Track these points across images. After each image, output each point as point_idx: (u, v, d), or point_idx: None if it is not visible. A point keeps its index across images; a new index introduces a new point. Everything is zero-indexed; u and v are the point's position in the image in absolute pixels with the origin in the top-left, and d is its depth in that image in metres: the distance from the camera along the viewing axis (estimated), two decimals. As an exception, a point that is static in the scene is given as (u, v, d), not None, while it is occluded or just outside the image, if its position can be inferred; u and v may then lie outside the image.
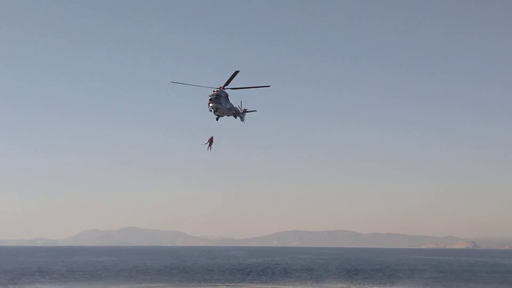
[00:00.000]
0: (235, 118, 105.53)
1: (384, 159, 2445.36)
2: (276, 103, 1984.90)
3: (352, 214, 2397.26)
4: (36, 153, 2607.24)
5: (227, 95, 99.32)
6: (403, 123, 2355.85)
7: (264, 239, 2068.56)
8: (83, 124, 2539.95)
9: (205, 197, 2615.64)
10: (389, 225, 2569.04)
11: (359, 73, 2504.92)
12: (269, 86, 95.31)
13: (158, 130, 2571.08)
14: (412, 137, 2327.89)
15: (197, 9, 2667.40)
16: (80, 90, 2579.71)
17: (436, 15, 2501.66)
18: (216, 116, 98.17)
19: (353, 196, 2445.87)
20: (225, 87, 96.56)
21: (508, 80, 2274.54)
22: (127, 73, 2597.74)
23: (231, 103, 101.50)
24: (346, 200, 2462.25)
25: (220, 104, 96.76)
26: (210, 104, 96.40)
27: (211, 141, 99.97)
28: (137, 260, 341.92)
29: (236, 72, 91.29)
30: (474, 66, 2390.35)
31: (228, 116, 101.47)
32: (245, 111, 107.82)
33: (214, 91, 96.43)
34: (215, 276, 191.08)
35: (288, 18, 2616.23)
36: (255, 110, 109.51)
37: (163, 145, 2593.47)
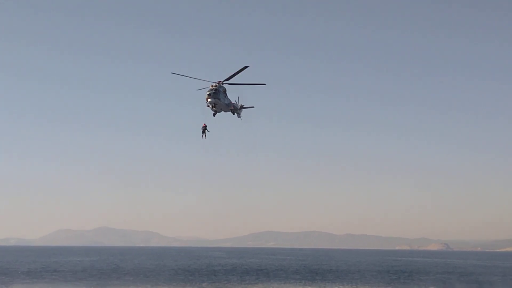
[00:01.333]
0: (233, 114, 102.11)
1: (358, 161, 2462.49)
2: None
3: (326, 215, 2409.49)
4: (9, 153, 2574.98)
5: (225, 90, 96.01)
6: (376, 125, 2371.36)
7: (238, 239, 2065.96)
8: (57, 127, 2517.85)
9: (179, 197, 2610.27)
10: (362, 226, 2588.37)
11: (332, 75, 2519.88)
12: (264, 84, 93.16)
13: (132, 131, 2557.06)
14: (385, 139, 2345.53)
15: (189, 13, 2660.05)
16: (55, 95, 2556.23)
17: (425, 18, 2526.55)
18: (214, 112, 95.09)
19: (327, 197, 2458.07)
20: (225, 82, 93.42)
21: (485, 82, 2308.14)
22: (106, 77, 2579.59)
23: (229, 99, 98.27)
24: (320, 201, 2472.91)
25: (219, 99, 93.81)
26: (209, 100, 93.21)
27: (204, 128, 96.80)
28: (117, 260, 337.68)
29: (245, 67, 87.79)
30: (464, 68, 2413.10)
31: (225, 112, 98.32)
32: (241, 107, 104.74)
33: (212, 86, 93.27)
34: (206, 277, 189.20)
35: (284, 22, 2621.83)
36: (253, 107, 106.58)
37: (136, 147, 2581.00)
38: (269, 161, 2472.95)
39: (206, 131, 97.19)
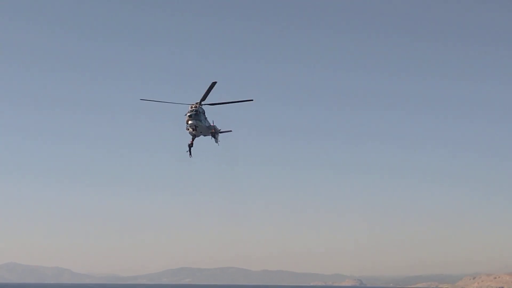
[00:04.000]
0: (212, 137, 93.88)
1: (272, 197, 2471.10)
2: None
3: (243, 251, 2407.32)
4: None
5: (204, 112, 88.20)
6: (284, 160, 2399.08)
7: (152, 276, 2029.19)
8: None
9: (91, 232, 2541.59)
10: (278, 262, 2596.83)
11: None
12: (252, 100, 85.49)
13: (36, 171, 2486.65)
14: (293, 175, 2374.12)
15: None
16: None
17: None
18: (193, 136, 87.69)
19: (243, 233, 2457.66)
20: (202, 102, 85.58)
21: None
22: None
23: (208, 121, 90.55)
24: (236, 236, 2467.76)
25: (200, 121, 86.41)
26: (189, 122, 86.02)
27: (190, 146, 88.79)
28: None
29: (214, 83, 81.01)
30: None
31: (205, 136, 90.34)
32: (219, 131, 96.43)
33: (192, 107, 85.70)
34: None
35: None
36: (230, 131, 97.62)
37: (44, 183, 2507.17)
38: (181, 196, 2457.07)
39: (191, 149, 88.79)
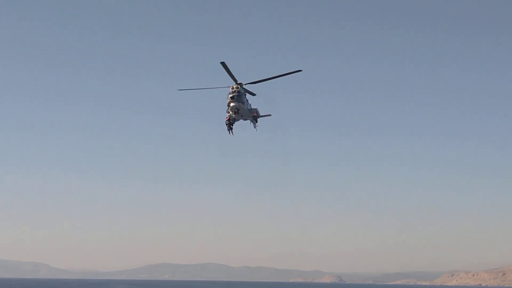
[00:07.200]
0: (252, 122, 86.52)
1: (252, 192, 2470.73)
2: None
3: (223, 247, 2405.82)
4: None
5: (245, 94, 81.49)
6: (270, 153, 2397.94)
7: (131, 272, 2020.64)
8: None
9: (69, 227, 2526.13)
10: (258, 258, 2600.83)
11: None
12: (301, 70, 78.58)
13: (20, 163, 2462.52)
14: (270, 167, 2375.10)
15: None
16: None
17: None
18: (232, 120, 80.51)
19: (223, 229, 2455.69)
20: (246, 84, 79.30)
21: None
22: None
23: (250, 104, 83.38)
24: (216, 232, 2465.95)
25: (243, 103, 79.77)
26: (231, 104, 78.87)
27: (229, 123, 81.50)
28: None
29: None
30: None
31: (245, 120, 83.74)
32: (259, 115, 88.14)
33: (233, 88, 78.65)
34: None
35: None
36: (270, 115, 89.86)
37: (23, 175, 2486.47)
38: (164, 189, 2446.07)
39: (232, 126, 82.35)
